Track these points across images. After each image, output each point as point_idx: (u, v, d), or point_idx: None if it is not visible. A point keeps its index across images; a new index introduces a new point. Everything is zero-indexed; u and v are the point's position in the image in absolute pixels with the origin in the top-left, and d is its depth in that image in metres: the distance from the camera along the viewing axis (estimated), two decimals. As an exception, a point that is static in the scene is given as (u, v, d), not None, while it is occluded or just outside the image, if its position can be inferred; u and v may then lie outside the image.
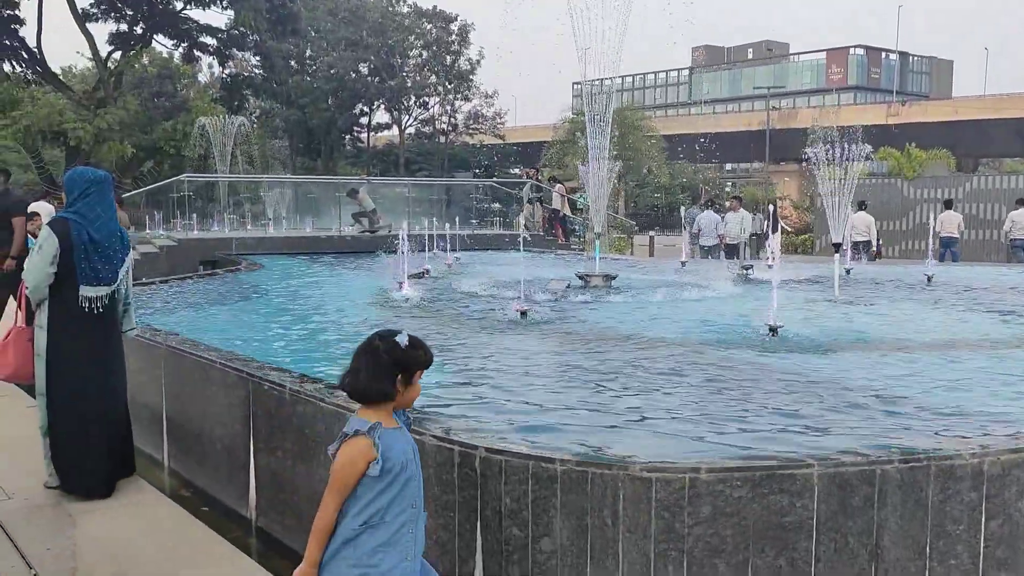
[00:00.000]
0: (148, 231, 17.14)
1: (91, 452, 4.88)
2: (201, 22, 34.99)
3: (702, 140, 39.62)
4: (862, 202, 21.63)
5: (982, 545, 3.10)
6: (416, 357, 2.70)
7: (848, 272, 11.75)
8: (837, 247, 9.68)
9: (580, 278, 10.21)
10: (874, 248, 19.75)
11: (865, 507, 3.00)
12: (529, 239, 18.33)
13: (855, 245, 18.92)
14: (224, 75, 41.29)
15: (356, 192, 19.04)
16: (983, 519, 3.09)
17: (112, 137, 29.79)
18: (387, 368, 2.64)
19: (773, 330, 6.35)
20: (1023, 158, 55.92)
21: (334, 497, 2.62)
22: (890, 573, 3.04)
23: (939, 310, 8.34)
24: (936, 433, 3.64)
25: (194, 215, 18.93)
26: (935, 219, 21.03)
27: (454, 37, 52.56)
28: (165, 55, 40.51)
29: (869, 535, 3.01)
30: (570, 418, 3.95)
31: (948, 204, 21.59)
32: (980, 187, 26.32)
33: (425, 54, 52.97)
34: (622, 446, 3.42)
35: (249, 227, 20.35)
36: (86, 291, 4.76)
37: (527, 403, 4.28)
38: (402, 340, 2.67)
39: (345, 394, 2.76)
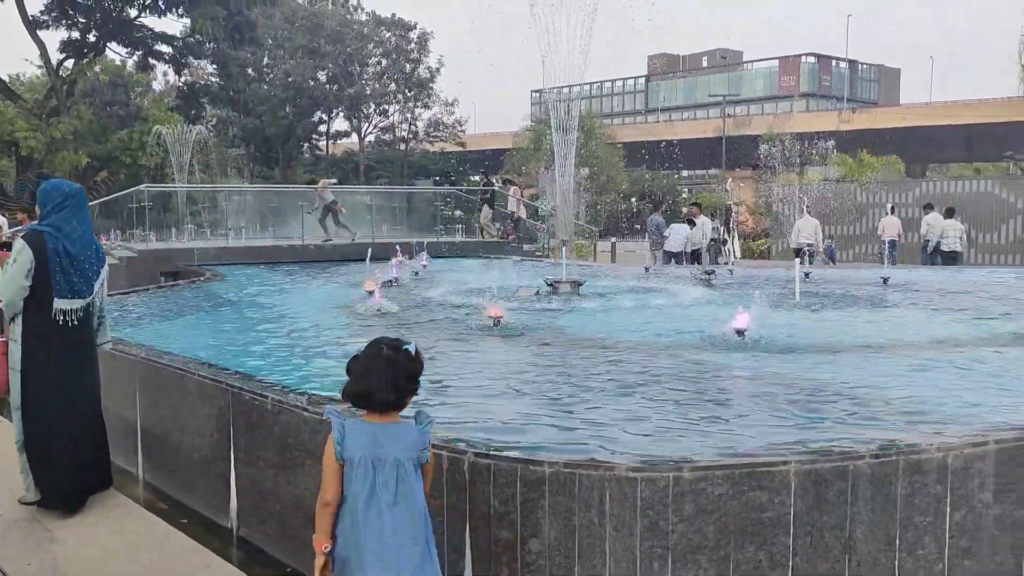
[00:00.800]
0: (106, 242, 16.86)
1: (67, 466, 4.85)
2: (156, 30, 34.54)
3: (662, 146, 40.15)
4: (808, 207, 22.51)
5: (947, 536, 3.25)
6: (423, 364, 2.84)
7: (807, 276, 12.05)
8: (798, 252, 9.94)
9: (548, 285, 10.34)
10: (820, 250, 20.51)
11: (839, 502, 3.13)
12: (487, 244, 18.47)
13: (800, 248, 19.63)
14: (180, 83, 40.76)
15: (314, 182, 19.58)
16: (948, 511, 3.24)
17: (66, 147, 29.25)
18: (406, 377, 2.77)
19: (740, 333, 6.52)
20: (968, 163, 57.58)
21: None
22: (863, 565, 3.17)
23: (898, 311, 8.62)
24: (899, 429, 3.80)
25: (153, 226, 18.70)
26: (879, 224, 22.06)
27: (413, 45, 52.50)
28: (118, 63, 39.89)
29: (843, 528, 3.14)
30: (551, 422, 4.04)
31: (892, 210, 22.56)
32: (929, 192, 27.09)
33: (384, 62, 52.81)
34: (605, 448, 3.52)
35: (209, 237, 20.14)
36: (60, 304, 4.74)
37: (508, 408, 4.36)
38: (412, 349, 2.79)
39: (350, 403, 2.84)
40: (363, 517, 2.72)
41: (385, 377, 2.74)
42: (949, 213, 19.64)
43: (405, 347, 2.80)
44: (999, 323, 7.51)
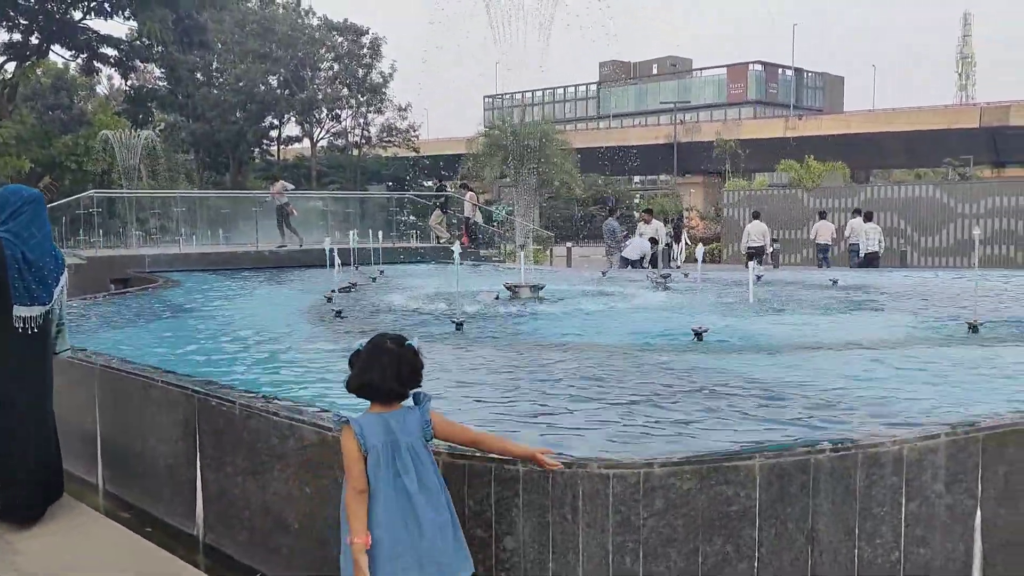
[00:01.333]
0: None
1: (24, 476, 4.77)
2: (102, 32, 33.80)
3: (614, 152, 40.56)
4: (756, 212, 23.10)
5: (903, 525, 3.40)
6: (423, 362, 3.01)
7: (759, 278, 12.32)
8: (751, 256, 10.18)
9: (508, 289, 10.41)
10: (768, 253, 21.00)
11: (801, 495, 3.24)
12: (443, 249, 18.48)
13: (750, 252, 20.07)
14: (127, 87, 39.92)
15: (274, 181, 19.84)
16: (904, 501, 3.38)
17: (8, 152, 28.47)
18: (410, 371, 2.93)
19: (698, 335, 6.67)
20: (910, 168, 59.25)
21: None
22: (825, 555, 3.29)
23: (847, 312, 8.88)
24: (857, 423, 3.94)
25: (101, 232, 18.35)
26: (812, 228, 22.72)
27: (365, 50, 52.22)
28: (60, 66, 38.91)
29: (805, 520, 3.26)
30: (522, 423, 4.10)
31: (822, 215, 23.30)
32: (874, 196, 27.90)
33: (336, 67, 52.43)
34: (575, 446, 3.60)
35: (160, 243, 19.82)
36: (20, 311, 4.66)
37: (473, 413, 4.39)
38: (414, 344, 2.95)
39: (355, 394, 2.97)
40: (393, 501, 2.84)
41: (391, 369, 2.88)
42: (867, 217, 20.22)
43: (408, 343, 2.95)
44: (946, 322, 7.79)
